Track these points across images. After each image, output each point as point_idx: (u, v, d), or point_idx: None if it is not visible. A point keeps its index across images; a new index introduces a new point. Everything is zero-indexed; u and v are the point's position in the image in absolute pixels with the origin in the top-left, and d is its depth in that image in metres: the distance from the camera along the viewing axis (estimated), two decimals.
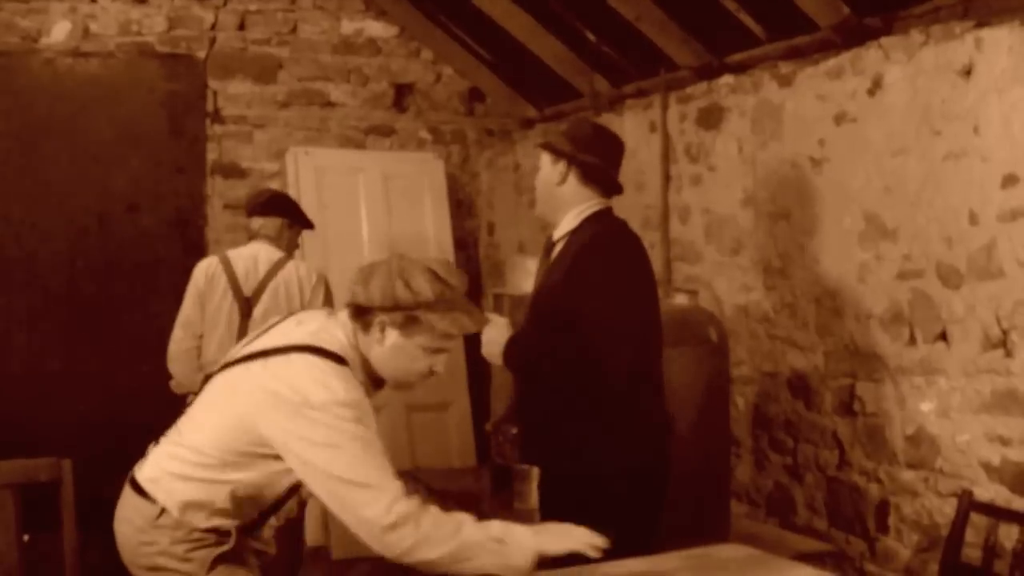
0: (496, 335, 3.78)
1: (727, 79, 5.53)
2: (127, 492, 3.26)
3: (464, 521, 2.99)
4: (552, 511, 3.87)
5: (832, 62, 4.79)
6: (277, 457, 3.04)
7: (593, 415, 3.70)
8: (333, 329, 3.13)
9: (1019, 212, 3.88)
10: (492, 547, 2.94)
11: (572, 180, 3.84)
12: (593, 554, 2.98)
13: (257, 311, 5.38)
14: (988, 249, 4.01)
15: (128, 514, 3.22)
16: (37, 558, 3.99)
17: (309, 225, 5.86)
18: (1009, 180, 3.92)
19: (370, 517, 2.92)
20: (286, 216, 5.64)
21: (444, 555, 2.91)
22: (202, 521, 3.11)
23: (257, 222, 5.59)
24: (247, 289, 5.41)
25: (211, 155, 7.36)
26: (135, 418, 6.25)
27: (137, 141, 7.09)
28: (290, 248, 5.71)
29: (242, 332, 5.29)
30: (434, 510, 2.99)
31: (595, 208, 3.84)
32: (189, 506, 3.10)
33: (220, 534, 3.13)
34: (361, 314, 3.11)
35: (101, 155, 7.05)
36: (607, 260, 3.71)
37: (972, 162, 4.08)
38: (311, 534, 7.07)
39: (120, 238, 6.93)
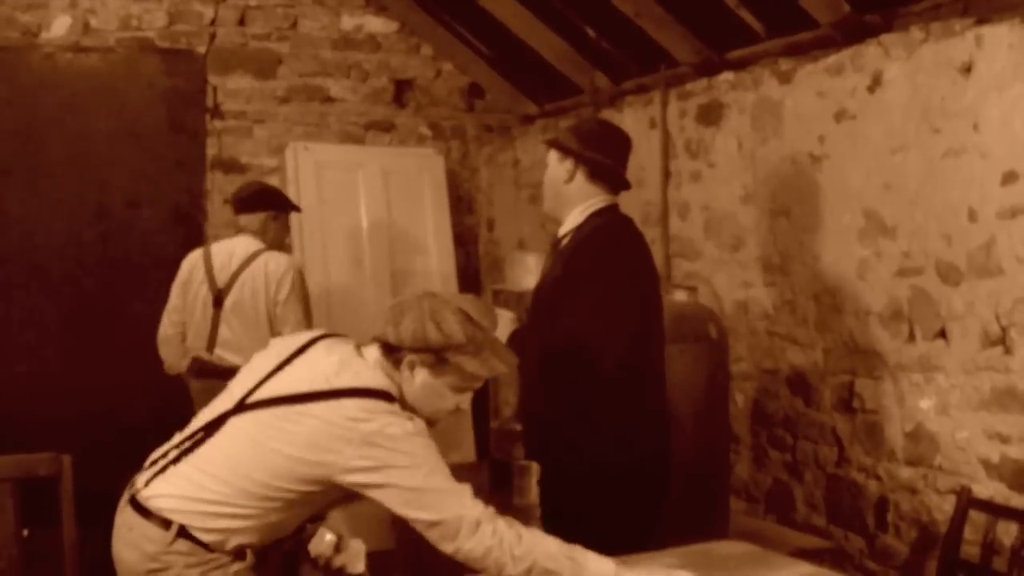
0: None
1: (727, 76, 5.53)
2: (131, 516, 3.16)
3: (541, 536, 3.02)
4: (552, 507, 3.90)
5: (832, 59, 4.79)
6: (320, 492, 3.04)
7: (593, 410, 3.71)
8: (371, 366, 3.12)
9: (1019, 209, 3.88)
10: (567, 565, 2.94)
11: (579, 178, 3.85)
12: None
13: (227, 302, 5.60)
14: (987, 246, 4.01)
15: (135, 539, 3.13)
16: (37, 553, 3.99)
17: (294, 208, 6.04)
18: (1009, 177, 3.92)
19: (454, 516, 2.97)
20: (269, 209, 5.78)
21: (521, 567, 2.93)
22: (221, 547, 3.07)
23: (243, 219, 5.78)
24: (220, 281, 5.62)
25: (211, 150, 7.36)
26: (135, 412, 6.29)
27: (137, 136, 7.09)
28: (277, 239, 5.87)
29: (214, 321, 5.61)
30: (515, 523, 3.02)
31: (601, 204, 3.85)
32: (211, 532, 3.06)
33: (236, 555, 3.09)
34: (391, 351, 3.10)
35: (101, 150, 7.05)
36: (605, 254, 3.72)
37: (972, 159, 4.08)
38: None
39: (120, 233, 6.92)
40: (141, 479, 3.22)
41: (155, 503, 3.12)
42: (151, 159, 7.16)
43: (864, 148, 4.60)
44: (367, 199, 7.35)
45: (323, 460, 2.96)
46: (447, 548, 2.95)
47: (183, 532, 3.05)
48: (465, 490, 3.00)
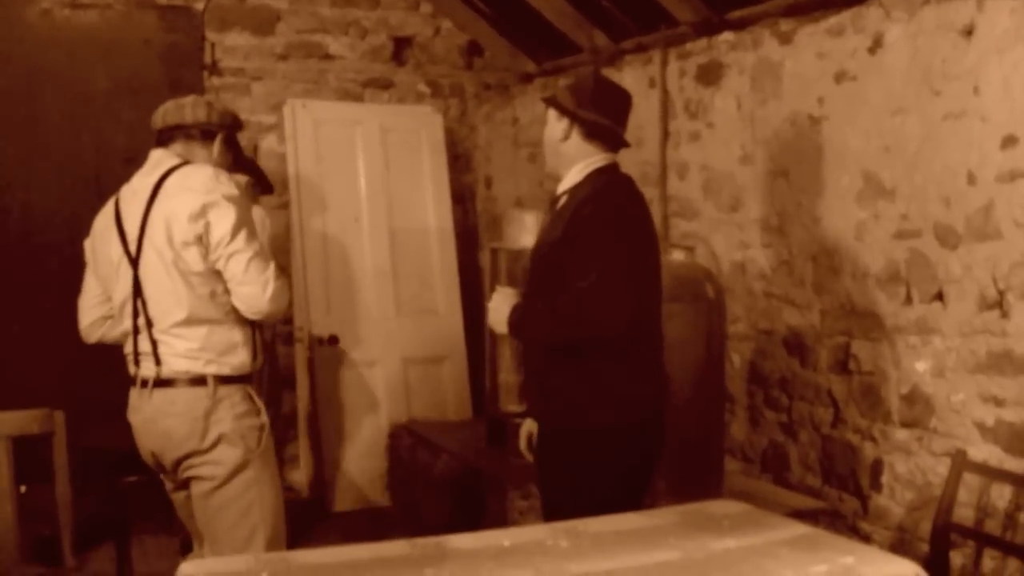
0: (501, 304, 3.82)
1: (727, 36, 5.51)
2: (167, 393, 3.77)
3: None
4: (548, 465, 3.91)
5: (833, 20, 4.77)
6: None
7: (592, 369, 3.71)
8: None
9: (1018, 173, 3.88)
10: None
11: (575, 137, 3.83)
12: None
13: None
14: (986, 210, 4.01)
15: (182, 409, 3.75)
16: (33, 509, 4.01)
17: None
18: (1008, 141, 3.91)
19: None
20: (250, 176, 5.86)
21: None
22: (241, 363, 3.82)
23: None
24: None
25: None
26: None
27: (134, 93, 7.05)
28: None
29: None
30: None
31: (600, 163, 3.83)
32: (223, 352, 3.78)
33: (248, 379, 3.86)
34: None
35: (98, 107, 7.02)
36: (607, 213, 3.70)
37: (971, 122, 4.07)
38: (307, 488, 7.12)
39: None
40: (147, 367, 3.80)
41: (179, 371, 3.76)
42: (149, 117, 7.09)
43: (864, 110, 4.59)
44: (365, 157, 7.33)
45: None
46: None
47: (218, 379, 3.76)
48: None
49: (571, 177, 3.85)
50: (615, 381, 3.73)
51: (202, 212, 3.70)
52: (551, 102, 3.90)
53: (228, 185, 3.78)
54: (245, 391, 3.85)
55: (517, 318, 3.77)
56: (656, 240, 3.87)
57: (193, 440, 3.75)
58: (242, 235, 3.74)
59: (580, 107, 3.81)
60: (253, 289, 3.76)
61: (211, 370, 3.76)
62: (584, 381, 3.72)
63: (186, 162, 3.88)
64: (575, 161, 3.85)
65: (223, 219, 3.71)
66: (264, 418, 3.86)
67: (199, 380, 3.76)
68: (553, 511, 3.72)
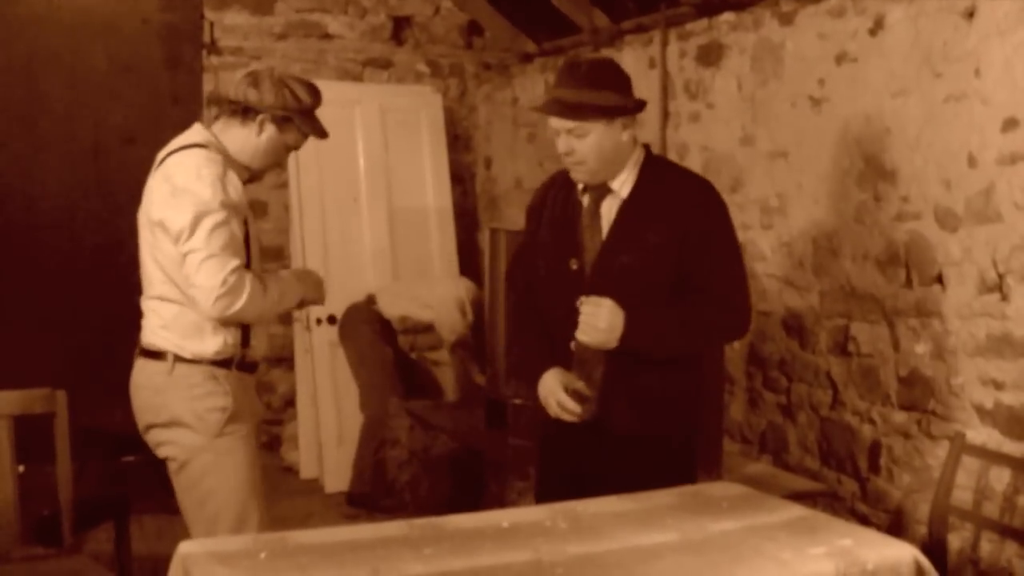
0: (613, 317, 3.45)
1: (728, 16, 5.49)
2: (138, 362, 3.79)
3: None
4: (548, 447, 3.89)
5: (834, 1, 4.75)
6: None
7: (693, 373, 3.74)
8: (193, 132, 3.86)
9: (1018, 156, 3.87)
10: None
11: (630, 131, 3.62)
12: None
13: None
14: (986, 193, 4.00)
15: (142, 380, 3.76)
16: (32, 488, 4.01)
17: None
18: (1009, 124, 3.90)
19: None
20: None
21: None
22: (205, 349, 3.69)
23: None
24: None
25: (207, 86, 7.30)
26: (131, 349, 6.29)
27: (133, 72, 7.05)
28: None
29: None
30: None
31: (643, 151, 3.68)
32: (186, 335, 3.68)
33: (222, 364, 3.73)
34: (247, 112, 3.83)
35: (97, 86, 7.01)
36: (717, 207, 3.66)
37: (972, 105, 4.06)
38: (305, 468, 7.13)
39: (116, 170, 6.89)
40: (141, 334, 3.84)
41: (147, 343, 3.78)
42: (147, 95, 7.12)
43: (864, 91, 4.58)
44: (364, 137, 7.32)
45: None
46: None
47: (176, 357, 3.68)
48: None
49: (628, 173, 3.63)
50: (701, 384, 3.78)
51: (169, 200, 3.61)
52: (592, 112, 3.51)
53: (208, 182, 3.61)
54: (210, 373, 3.70)
55: (637, 331, 3.47)
56: None
57: (149, 413, 3.73)
58: (201, 232, 3.56)
59: (628, 97, 3.60)
60: (199, 294, 3.58)
61: (170, 348, 3.69)
62: (687, 385, 3.71)
63: (197, 145, 3.73)
64: (627, 157, 3.63)
65: (181, 212, 3.56)
66: (227, 402, 3.70)
67: (159, 355, 3.71)
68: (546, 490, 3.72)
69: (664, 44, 5.98)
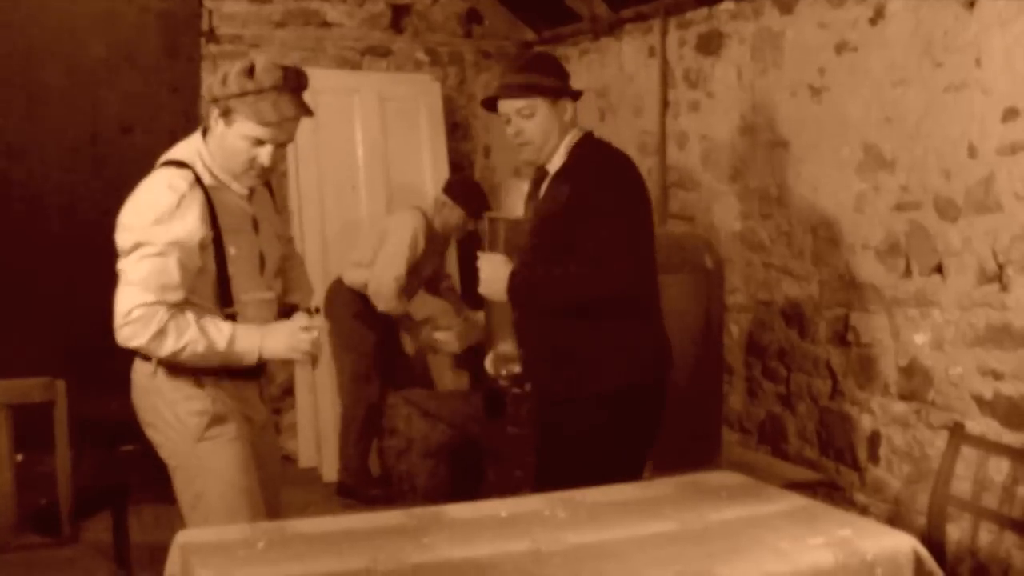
0: (496, 272, 3.78)
1: (728, 5, 5.48)
2: (134, 360, 3.64)
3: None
4: (547, 435, 3.91)
5: None
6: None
7: (606, 330, 3.72)
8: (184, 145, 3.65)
9: (1019, 146, 3.86)
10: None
11: (570, 113, 3.85)
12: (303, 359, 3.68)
13: None
14: (986, 182, 4.00)
15: (135, 378, 3.64)
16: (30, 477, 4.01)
17: None
18: (1009, 113, 3.90)
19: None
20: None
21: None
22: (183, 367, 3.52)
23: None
24: None
25: (206, 75, 7.28)
26: None
27: (131, 61, 7.02)
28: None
29: None
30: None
31: (579, 133, 3.87)
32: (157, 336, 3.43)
33: (202, 372, 3.56)
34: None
35: (95, 75, 6.99)
36: (608, 178, 3.73)
37: (973, 95, 4.06)
38: (303, 457, 7.13)
39: (114, 159, 6.87)
40: None
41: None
42: (146, 84, 7.10)
43: (864, 81, 4.57)
44: (363, 125, 7.31)
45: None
46: None
47: (160, 361, 3.52)
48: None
49: (560, 153, 3.85)
50: (626, 341, 3.77)
51: (123, 216, 3.53)
52: (539, 90, 3.79)
53: (155, 214, 3.46)
54: (193, 378, 3.58)
55: (518, 283, 3.73)
56: (650, 205, 3.87)
57: (141, 411, 3.66)
58: (134, 256, 3.43)
59: (565, 81, 3.87)
60: (116, 319, 3.44)
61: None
62: (596, 343, 3.74)
63: (176, 163, 3.58)
64: (563, 138, 3.85)
65: (124, 232, 3.48)
66: (206, 406, 3.57)
67: (146, 356, 3.57)
68: (552, 481, 3.71)
69: (664, 33, 5.97)
